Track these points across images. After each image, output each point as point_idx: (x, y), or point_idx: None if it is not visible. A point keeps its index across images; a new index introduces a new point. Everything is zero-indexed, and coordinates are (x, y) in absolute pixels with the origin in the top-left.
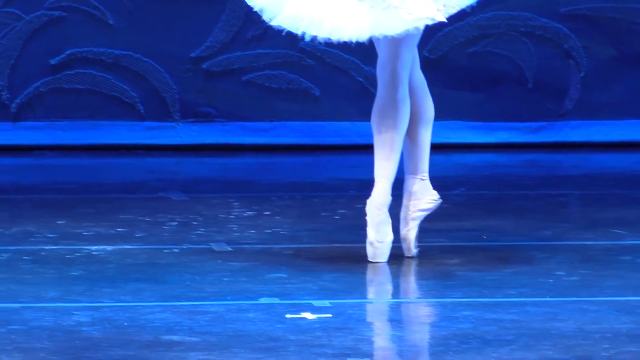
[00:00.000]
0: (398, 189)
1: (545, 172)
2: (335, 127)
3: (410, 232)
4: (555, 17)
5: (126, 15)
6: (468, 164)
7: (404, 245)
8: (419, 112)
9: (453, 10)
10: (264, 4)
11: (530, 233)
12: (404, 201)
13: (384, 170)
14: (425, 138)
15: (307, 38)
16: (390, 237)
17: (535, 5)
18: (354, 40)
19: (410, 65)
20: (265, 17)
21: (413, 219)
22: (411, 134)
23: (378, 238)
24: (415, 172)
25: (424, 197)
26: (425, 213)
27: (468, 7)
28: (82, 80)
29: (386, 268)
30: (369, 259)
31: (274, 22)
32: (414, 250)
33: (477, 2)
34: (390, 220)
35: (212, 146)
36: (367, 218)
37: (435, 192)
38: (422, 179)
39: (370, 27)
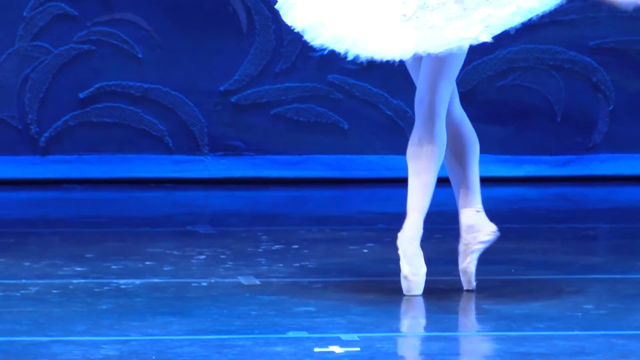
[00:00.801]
0: (430, 222)
1: (574, 206)
2: (363, 160)
3: (470, 264)
4: (584, 50)
5: (155, 48)
6: (497, 198)
7: (463, 279)
8: (466, 145)
9: (497, 31)
10: (305, 24)
11: (559, 266)
12: (462, 234)
13: (416, 204)
14: (475, 170)
15: (350, 57)
16: (423, 269)
17: (564, 39)
18: (397, 60)
19: (448, 100)
20: (307, 38)
21: (472, 252)
22: (462, 167)
23: (412, 271)
24: (470, 205)
25: (482, 230)
26: (485, 245)
27: (512, 29)
28: (110, 114)
29: (419, 301)
30: (404, 292)
31: (317, 42)
32: (473, 283)
33: (517, 28)
34: (422, 253)
35: (240, 179)
36: (400, 252)
37: (492, 224)
38: (477, 211)
39: (415, 46)
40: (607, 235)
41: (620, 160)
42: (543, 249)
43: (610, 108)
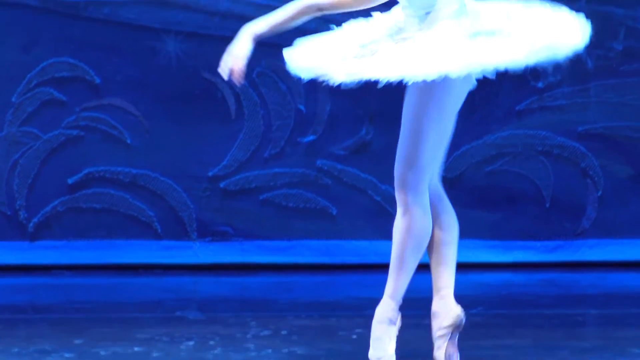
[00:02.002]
0: (419, 307)
1: (563, 291)
2: (352, 246)
3: (438, 351)
4: (573, 136)
5: (144, 134)
6: (485, 284)
7: None
8: (442, 228)
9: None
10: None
11: (548, 353)
12: (431, 321)
13: (387, 286)
14: (445, 254)
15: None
16: (388, 352)
17: (552, 124)
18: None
19: (431, 172)
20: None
21: (438, 338)
22: (430, 250)
23: (374, 354)
24: (437, 291)
25: (445, 315)
26: (448, 330)
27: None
28: (99, 200)
29: None
30: None
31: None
32: None
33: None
34: (392, 336)
35: (229, 265)
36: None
37: (457, 308)
38: (442, 297)
39: (403, 69)
40: (596, 321)
41: (609, 246)
42: (532, 334)
43: (599, 194)
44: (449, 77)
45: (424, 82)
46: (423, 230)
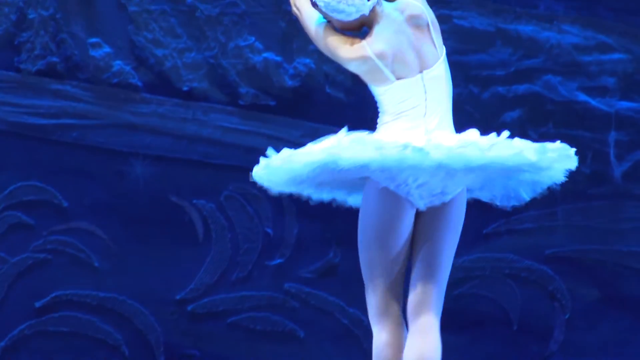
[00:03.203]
0: None
1: None
2: None
3: None
4: (540, 259)
5: (111, 257)
6: None
7: None
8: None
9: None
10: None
11: None
12: None
13: None
14: None
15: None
16: None
17: (520, 248)
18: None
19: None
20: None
21: None
22: None
23: None
24: None
25: None
26: None
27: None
28: (67, 323)
29: None
30: None
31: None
32: None
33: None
34: None
35: None
36: None
37: None
38: None
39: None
40: None
41: None
42: None
43: (567, 316)
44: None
45: (463, 195)
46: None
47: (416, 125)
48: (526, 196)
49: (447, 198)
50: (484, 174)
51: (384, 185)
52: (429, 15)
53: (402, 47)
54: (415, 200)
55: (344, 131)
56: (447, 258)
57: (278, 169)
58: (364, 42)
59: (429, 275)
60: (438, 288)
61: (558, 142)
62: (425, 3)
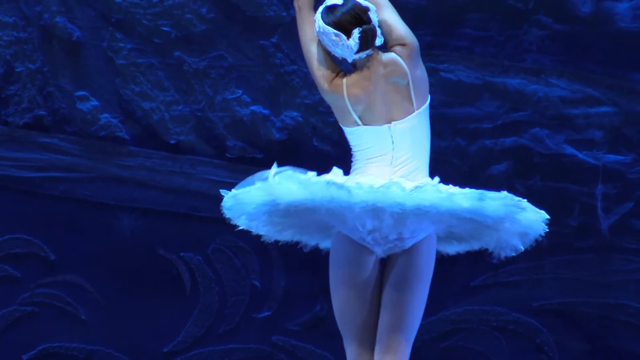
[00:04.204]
0: None
1: None
2: None
3: None
4: (528, 311)
5: (99, 310)
6: None
7: None
8: None
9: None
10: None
11: None
12: None
13: None
14: None
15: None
16: None
17: (507, 300)
18: None
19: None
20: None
21: None
22: None
23: None
24: None
25: None
26: None
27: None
28: None
29: None
30: None
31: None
32: None
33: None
34: None
35: None
36: None
37: None
38: None
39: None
40: None
41: None
42: None
43: None
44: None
45: (429, 242)
46: None
47: (382, 173)
48: (511, 252)
49: (407, 244)
50: (446, 223)
51: (339, 230)
52: (411, 75)
53: (375, 97)
54: (371, 246)
55: (274, 167)
56: (413, 307)
57: (236, 205)
58: (344, 80)
59: (395, 324)
60: (404, 338)
61: (504, 192)
62: (418, 59)
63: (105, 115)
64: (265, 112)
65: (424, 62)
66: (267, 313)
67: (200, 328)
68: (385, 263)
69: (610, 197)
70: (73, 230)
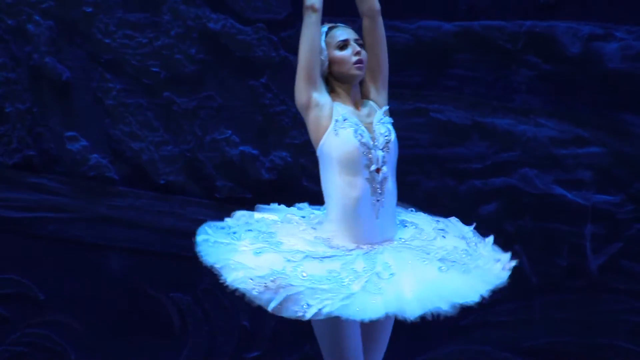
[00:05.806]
0: None
1: None
2: None
3: None
4: (517, 351)
5: (88, 350)
6: None
7: None
8: None
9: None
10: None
11: None
12: None
13: None
14: None
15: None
16: None
17: (496, 340)
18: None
19: None
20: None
21: None
22: None
23: None
24: None
25: None
26: None
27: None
28: None
29: None
30: None
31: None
32: None
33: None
34: None
35: None
36: None
37: None
38: None
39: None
40: None
41: None
42: None
43: None
44: None
45: None
46: None
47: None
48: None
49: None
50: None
51: None
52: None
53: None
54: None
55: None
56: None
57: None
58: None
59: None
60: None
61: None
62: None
63: (95, 155)
64: (255, 152)
65: (414, 102)
66: (256, 353)
67: None
68: None
69: (599, 237)
70: (62, 270)
